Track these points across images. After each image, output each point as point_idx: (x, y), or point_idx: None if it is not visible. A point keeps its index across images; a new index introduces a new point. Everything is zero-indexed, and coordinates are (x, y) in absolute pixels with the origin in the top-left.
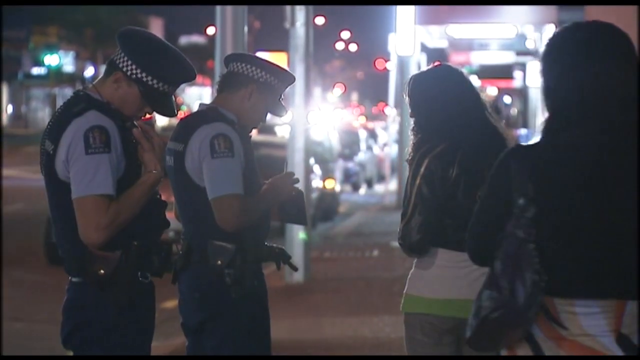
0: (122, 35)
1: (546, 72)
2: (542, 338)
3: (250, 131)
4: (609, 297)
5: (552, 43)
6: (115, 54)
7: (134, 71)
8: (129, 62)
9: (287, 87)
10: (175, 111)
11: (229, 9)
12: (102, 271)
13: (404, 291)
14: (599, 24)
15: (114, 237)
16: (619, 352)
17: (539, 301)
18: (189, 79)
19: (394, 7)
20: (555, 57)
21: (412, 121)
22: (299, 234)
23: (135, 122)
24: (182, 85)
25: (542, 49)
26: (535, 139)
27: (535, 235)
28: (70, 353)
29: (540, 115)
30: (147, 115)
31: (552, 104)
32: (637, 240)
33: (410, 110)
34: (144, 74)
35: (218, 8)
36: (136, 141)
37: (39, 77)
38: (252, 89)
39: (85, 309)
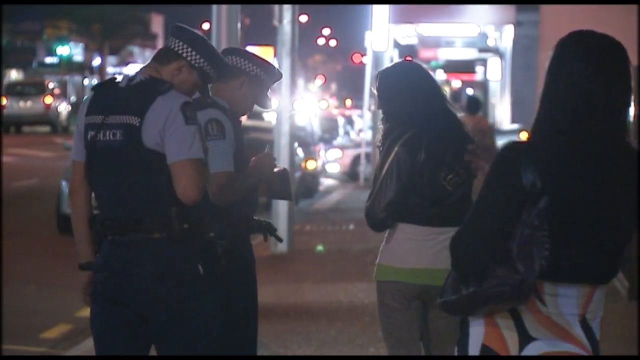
0: (180, 29)
1: (549, 78)
2: (524, 310)
3: (240, 117)
4: (585, 282)
5: (556, 52)
6: (174, 45)
7: (198, 60)
8: (194, 53)
9: (274, 83)
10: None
11: (224, 7)
12: (185, 226)
13: (376, 261)
14: (600, 35)
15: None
16: (580, 331)
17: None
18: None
19: (370, 7)
20: (558, 65)
21: (380, 112)
22: (317, 247)
23: None
24: None
25: (501, 46)
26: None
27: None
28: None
29: (498, 106)
30: None
31: (551, 105)
32: (626, 232)
33: (378, 102)
34: (205, 63)
35: (214, 6)
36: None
37: (51, 65)
38: (244, 80)
39: (169, 260)
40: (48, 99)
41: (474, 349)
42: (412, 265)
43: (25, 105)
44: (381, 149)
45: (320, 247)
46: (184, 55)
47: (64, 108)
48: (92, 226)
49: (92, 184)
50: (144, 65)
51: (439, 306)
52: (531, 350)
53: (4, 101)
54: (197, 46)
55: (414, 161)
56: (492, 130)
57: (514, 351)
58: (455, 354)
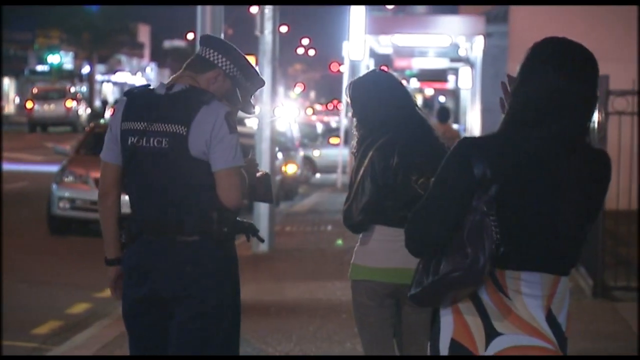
0: (211, 38)
1: (521, 77)
2: (486, 301)
3: None
4: (546, 270)
5: (530, 55)
6: (208, 54)
7: (232, 69)
8: (228, 62)
9: (256, 89)
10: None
11: (207, 17)
12: (225, 229)
13: (351, 261)
14: (569, 42)
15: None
16: (546, 326)
17: (489, 268)
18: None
19: (347, 18)
20: (532, 66)
21: (354, 120)
22: (337, 241)
23: None
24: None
25: (472, 56)
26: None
27: (496, 211)
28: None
29: (469, 113)
30: None
31: (517, 103)
32: (578, 225)
33: (352, 110)
34: (239, 72)
35: (199, 16)
36: None
37: (42, 73)
38: (219, 73)
39: (207, 262)
40: (69, 103)
41: (444, 344)
42: (385, 265)
43: (49, 108)
44: (356, 154)
45: (339, 241)
46: (220, 64)
47: (83, 111)
48: (123, 225)
49: (129, 186)
50: (178, 74)
51: (409, 299)
52: (497, 344)
53: (31, 105)
54: (231, 56)
55: (388, 165)
56: (459, 137)
57: (481, 345)
58: (428, 350)
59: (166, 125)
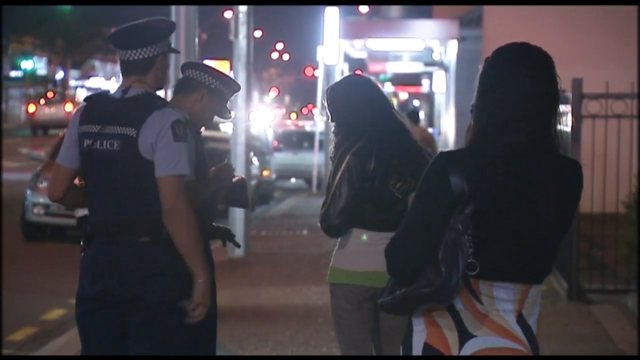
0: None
1: (483, 86)
2: (462, 310)
3: (200, 129)
4: (520, 281)
5: (491, 62)
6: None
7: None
8: (209, 77)
9: (233, 94)
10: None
11: (182, 22)
12: None
13: (330, 265)
14: (531, 47)
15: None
16: (517, 328)
17: (462, 284)
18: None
19: (321, 22)
20: (493, 74)
21: (332, 125)
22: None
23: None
24: None
25: (446, 60)
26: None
27: (472, 229)
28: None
29: (443, 116)
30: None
31: (483, 115)
32: (553, 235)
33: (329, 115)
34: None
35: (173, 13)
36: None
37: (16, 79)
38: (203, 93)
39: (156, 262)
40: (68, 106)
41: (417, 348)
42: (364, 268)
43: (50, 112)
44: (333, 159)
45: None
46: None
47: None
48: (81, 227)
49: (87, 188)
50: (130, 79)
51: (379, 306)
52: (471, 346)
53: (33, 108)
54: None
55: (365, 170)
56: (433, 140)
57: (454, 348)
58: (401, 353)
59: (118, 127)
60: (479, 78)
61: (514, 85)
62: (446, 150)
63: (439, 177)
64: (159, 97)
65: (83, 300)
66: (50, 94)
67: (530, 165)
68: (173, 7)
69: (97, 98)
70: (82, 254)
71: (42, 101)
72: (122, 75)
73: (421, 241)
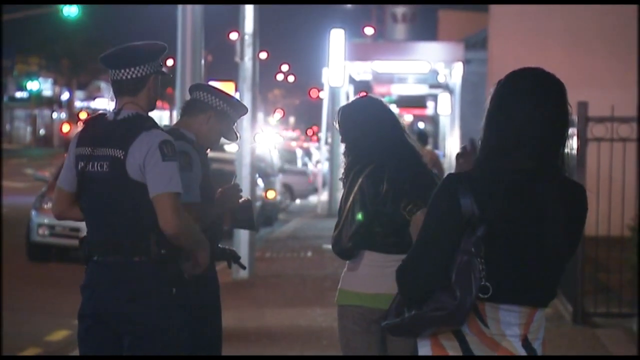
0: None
1: (495, 109)
2: (468, 333)
3: (206, 150)
4: (526, 304)
5: (503, 85)
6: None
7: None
8: (217, 99)
9: (240, 117)
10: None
11: (188, 43)
12: (163, 251)
13: (338, 287)
14: (542, 73)
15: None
16: (523, 352)
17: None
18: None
19: (327, 44)
20: (505, 98)
21: (343, 146)
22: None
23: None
24: None
25: (451, 83)
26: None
27: (484, 251)
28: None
29: (448, 139)
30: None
31: (491, 134)
32: (559, 258)
33: (341, 137)
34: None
35: (179, 43)
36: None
37: (21, 100)
38: (210, 115)
39: (145, 282)
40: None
41: None
42: (373, 291)
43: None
44: (345, 181)
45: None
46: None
47: None
48: (81, 247)
49: (82, 209)
50: (123, 100)
51: (383, 328)
52: None
53: (68, 128)
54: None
55: (378, 192)
56: (439, 161)
57: None
58: None
59: (107, 150)
60: (490, 100)
61: (523, 110)
62: (454, 172)
63: (449, 198)
64: (148, 118)
65: (82, 317)
66: (83, 115)
67: (537, 189)
68: (179, 28)
69: (94, 120)
70: (85, 273)
71: (79, 123)
72: (115, 96)
73: (432, 262)
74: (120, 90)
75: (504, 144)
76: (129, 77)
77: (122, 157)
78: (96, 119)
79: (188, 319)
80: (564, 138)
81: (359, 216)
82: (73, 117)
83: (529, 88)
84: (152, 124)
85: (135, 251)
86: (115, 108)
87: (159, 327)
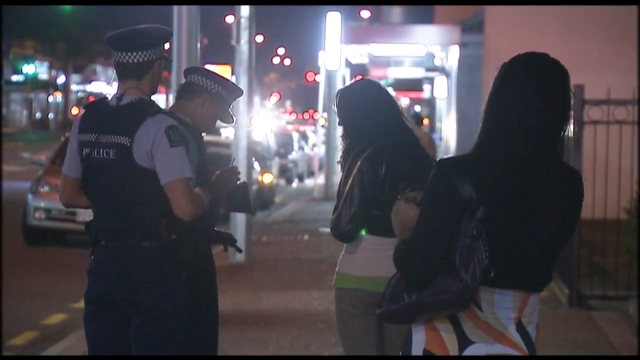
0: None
1: (496, 92)
2: (462, 317)
3: (202, 134)
4: (520, 289)
5: (506, 70)
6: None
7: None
8: (212, 83)
9: (235, 99)
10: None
11: (184, 26)
12: (173, 236)
13: (336, 270)
14: (547, 59)
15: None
16: (517, 336)
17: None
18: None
19: (323, 28)
20: (507, 82)
21: (340, 129)
22: (361, 232)
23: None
24: None
25: (447, 66)
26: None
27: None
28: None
29: (444, 122)
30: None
31: (491, 118)
32: (555, 244)
33: (338, 119)
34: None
35: (175, 26)
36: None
37: (17, 83)
38: (206, 98)
39: (155, 267)
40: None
41: (416, 354)
42: (371, 274)
43: None
44: (343, 164)
45: (363, 232)
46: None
47: None
48: (88, 232)
49: (88, 195)
50: (126, 85)
51: (379, 316)
52: (470, 352)
53: (77, 111)
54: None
55: (377, 175)
56: (432, 142)
57: (454, 354)
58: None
59: (113, 136)
60: (492, 83)
61: (525, 95)
62: (450, 156)
63: (446, 183)
64: (152, 103)
65: (89, 301)
66: (92, 99)
67: (534, 174)
68: (175, 11)
69: (95, 105)
70: (91, 257)
71: (91, 99)
72: (118, 79)
73: (432, 246)
74: (124, 74)
75: (503, 128)
76: (135, 60)
77: (128, 144)
78: (98, 104)
79: (195, 303)
80: (564, 124)
81: (363, 233)
82: (80, 101)
83: (530, 73)
84: (157, 109)
85: (145, 237)
86: (117, 93)
87: (169, 311)
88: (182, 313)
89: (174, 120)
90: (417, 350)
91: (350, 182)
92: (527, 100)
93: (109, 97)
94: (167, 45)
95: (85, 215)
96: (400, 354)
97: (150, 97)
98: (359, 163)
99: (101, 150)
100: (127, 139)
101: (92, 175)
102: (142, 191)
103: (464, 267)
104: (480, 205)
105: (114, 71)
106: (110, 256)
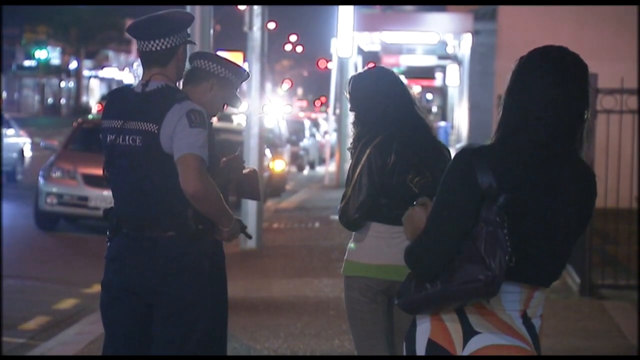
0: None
1: (517, 85)
2: (469, 307)
3: (210, 119)
4: (528, 282)
5: (525, 62)
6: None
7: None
8: (218, 66)
9: (242, 82)
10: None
11: (197, 13)
12: (200, 227)
13: (345, 258)
14: (567, 53)
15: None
16: (522, 327)
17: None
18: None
19: (335, 15)
20: (528, 75)
21: (352, 116)
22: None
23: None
24: None
25: (459, 54)
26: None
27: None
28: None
29: (456, 110)
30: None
31: (512, 110)
32: (564, 240)
33: (350, 106)
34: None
35: (188, 9)
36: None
37: (29, 68)
38: (213, 82)
39: (180, 257)
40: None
41: (420, 344)
42: (380, 262)
43: None
44: (353, 151)
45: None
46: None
47: None
48: (107, 219)
49: (110, 182)
50: (151, 71)
51: (398, 306)
52: (475, 343)
53: (99, 107)
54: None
55: (385, 163)
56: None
57: (458, 344)
58: (404, 349)
59: (140, 123)
60: (511, 75)
61: (544, 88)
62: (468, 145)
63: (465, 173)
64: (178, 89)
65: (107, 287)
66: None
67: (553, 168)
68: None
69: (119, 92)
70: (108, 243)
71: None
72: (143, 67)
73: (446, 238)
74: (149, 61)
75: (522, 121)
76: (159, 48)
77: (155, 130)
78: (122, 90)
79: (214, 293)
80: (583, 118)
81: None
82: (103, 98)
83: (549, 67)
84: (183, 95)
85: (171, 226)
86: (142, 80)
87: (194, 302)
88: (205, 304)
89: (200, 106)
90: (421, 340)
91: (358, 170)
92: (547, 93)
93: (133, 85)
94: (189, 30)
95: (97, 200)
96: (404, 344)
97: (175, 83)
98: (368, 151)
99: (127, 137)
100: (154, 125)
101: (115, 162)
102: (169, 179)
103: (491, 255)
104: (501, 192)
105: (137, 58)
106: (133, 245)
